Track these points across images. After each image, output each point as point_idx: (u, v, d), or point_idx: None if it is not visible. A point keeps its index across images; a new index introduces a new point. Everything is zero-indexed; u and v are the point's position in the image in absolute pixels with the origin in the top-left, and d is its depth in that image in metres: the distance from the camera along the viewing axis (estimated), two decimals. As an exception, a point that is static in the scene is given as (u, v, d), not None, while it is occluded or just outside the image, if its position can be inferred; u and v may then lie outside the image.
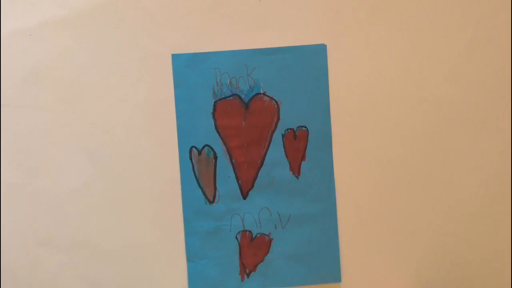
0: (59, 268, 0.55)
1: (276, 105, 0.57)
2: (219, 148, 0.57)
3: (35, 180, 0.55)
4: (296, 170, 0.57)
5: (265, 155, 0.57)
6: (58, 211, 0.55)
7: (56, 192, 0.55)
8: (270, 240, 0.57)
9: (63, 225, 0.55)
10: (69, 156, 0.56)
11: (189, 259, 0.56)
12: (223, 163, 0.57)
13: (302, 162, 0.57)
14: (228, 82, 0.57)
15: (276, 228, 0.57)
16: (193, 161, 0.56)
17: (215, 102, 0.57)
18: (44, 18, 0.55)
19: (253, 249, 0.57)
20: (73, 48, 0.56)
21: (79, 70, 0.56)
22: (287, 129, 0.57)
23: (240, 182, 0.57)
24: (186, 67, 0.56)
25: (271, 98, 0.57)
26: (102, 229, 0.56)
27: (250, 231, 0.57)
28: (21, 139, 0.55)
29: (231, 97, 0.57)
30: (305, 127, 0.57)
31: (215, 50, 0.56)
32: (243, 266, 0.57)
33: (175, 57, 0.56)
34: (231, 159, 0.57)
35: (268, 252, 0.57)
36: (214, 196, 0.57)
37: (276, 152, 0.57)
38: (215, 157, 0.57)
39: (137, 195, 0.56)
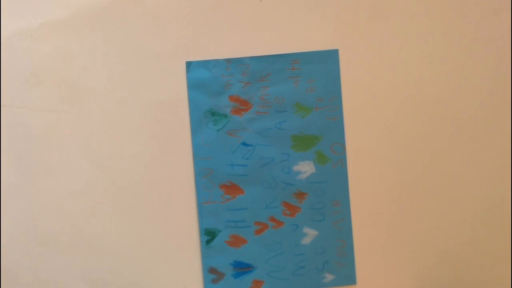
0: (61, 269, 0.54)
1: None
2: None
3: (37, 180, 0.55)
4: None
5: None
6: (60, 212, 0.55)
7: (57, 193, 0.55)
8: None
9: (65, 226, 0.55)
10: (71, 157, 0.55)
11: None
12: None
13: None
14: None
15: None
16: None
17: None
18: (46, 19, 0.55)
19: None
20: (75, 49, 0.55)
21: (81, 71, 0.56)
22: None
23: None
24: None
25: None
26: (104, 230, 0.55)
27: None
28: (23, 139, 0.55)
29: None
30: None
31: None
32: None
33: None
34: None
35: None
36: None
37: None
38: None
39: (140, 196, 0.56)
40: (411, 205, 0.58)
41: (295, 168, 0.57)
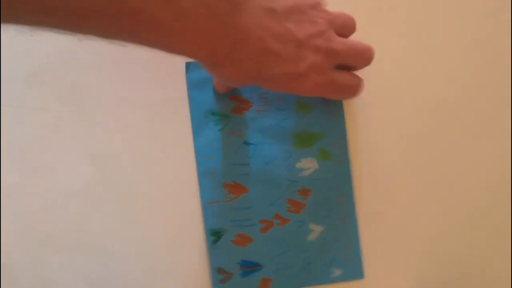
0: (61, 269, 0.53)
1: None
2: None
3: (37, 180, 0.53)
4: None
5: None
6: (60, 212, 0.53)
7: (57, 193, 0.53)
8: None
9: (65, 226, 0.53)
10: (71, 157, 0.54)
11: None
12: None
13: None
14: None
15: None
16: None
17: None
18: (45, 19, 0.55)
19: None
20: (75, 49, 0.55)
21: (81, 70, 0.55)
22: None
23: None
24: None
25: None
26: (104, 230, 0.54)
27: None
28: (23, 139, 0.54)
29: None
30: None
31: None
32: None
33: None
34: None
35: None
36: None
37: None
38: None
39: (141, 197, 0.55)
40: (417, 199, 0.58)
41: (298, 165, 0.57)
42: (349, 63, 0.51)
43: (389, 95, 0.58)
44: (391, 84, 0.58)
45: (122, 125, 0.55)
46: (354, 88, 0.52)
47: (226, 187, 0.56)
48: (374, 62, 0.54)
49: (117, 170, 0.55)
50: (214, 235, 0.55)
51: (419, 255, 0.58)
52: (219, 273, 0.56)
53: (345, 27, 0.51)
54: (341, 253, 0.57)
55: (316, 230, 0.57)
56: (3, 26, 0.54)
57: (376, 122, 0.58)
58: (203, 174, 0.56)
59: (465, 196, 0.58)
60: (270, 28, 0.44)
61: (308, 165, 0.57)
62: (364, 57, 0.50)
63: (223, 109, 0.57)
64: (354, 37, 0.53)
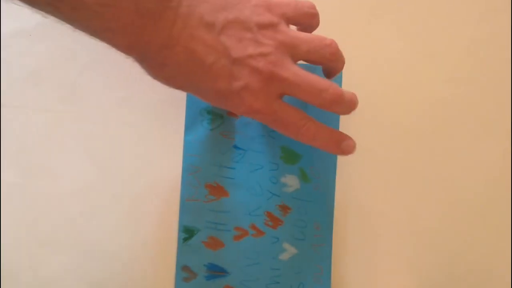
0: (60, 269, 0.55)
1: None
2: None
3: (36, 180, 0.56)
4: None
5: None
6: (60, 212, 0.56)
7: (57, 193, 0.56)
8: None
9: (65, 226, 0.56)
10: (71, 157, 0.56)
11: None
12: None
13: None
14: None
15: None
16: None
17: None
18: (45, 18, 0.54)
19: None
20: (74, 48, 0.56)
21: (80, 70, 0.56)
22: None
23: None
24: None
25: None
26: (104, 230, 0.56)
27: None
28: (22, 139, 0.57)
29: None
30: None
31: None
32: None
33: None
34: None
35: None
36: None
37: None
38: None
39: (140, 196, 0.56)
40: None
41: (283, 179, 0.55)
42: (298, 96, 0.44)
43: (387, 97, 0.56)
44: (390, 85, 0.55)
45: (122, 125, 0.57)
46: (299, 130, 0.45)
47: (208, 187, 0.56)
48: (373, 66, 0.54)
49: (117, 170, 0.56)
50: (187, 233, 0.57)
51: (420, 260, 0.55)
52: (183, 271, 0.57)
53: (311, 53, 0.44)
54: (310, 282, 0.55)
55: (289, 250, 0.55)
56: (2, 25, 0.54)
57: (374, 125, 0.55)
58: (187, 170, 0.56)
59: (465, 197, 0.56)
60: (204, 40, 0.41)
61: (291, 182, 0.55)
62: (320, 95, 0.43)
63: (219, 109, 0.55)
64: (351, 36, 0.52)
